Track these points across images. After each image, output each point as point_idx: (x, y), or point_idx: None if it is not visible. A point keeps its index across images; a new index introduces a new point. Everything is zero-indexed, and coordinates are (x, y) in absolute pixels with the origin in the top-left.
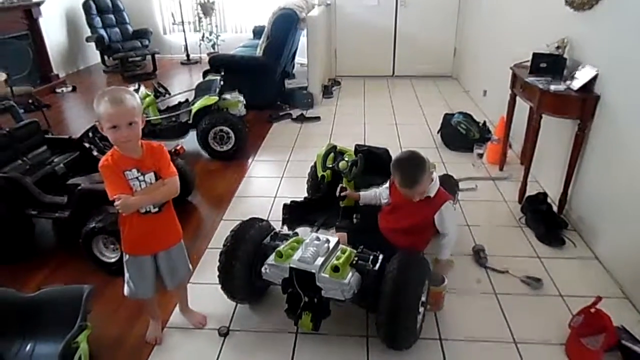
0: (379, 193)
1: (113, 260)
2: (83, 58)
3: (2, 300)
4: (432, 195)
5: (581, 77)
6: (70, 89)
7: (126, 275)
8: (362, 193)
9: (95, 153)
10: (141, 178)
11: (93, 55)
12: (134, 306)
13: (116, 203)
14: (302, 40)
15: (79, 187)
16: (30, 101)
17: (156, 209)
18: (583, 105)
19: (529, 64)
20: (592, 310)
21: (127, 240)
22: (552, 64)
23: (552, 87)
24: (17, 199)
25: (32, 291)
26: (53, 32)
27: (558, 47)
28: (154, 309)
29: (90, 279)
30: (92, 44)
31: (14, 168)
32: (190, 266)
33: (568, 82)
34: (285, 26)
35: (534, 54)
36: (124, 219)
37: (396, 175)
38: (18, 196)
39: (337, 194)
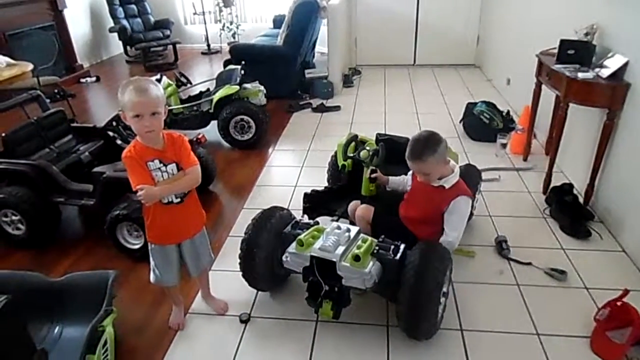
0: (407, 179)
1: (137, 246)
2: (106, 48)
3: (31, 285)
4: (446, 186)
5: (611, 65)
6: (94, 79)
7: (152, 263)
8: (390, 178)
9: (119, 142)
10: (163, 169)
11: (116, 45)
12: (158, 292)
13: (139, 193)
14: (323, 29)
15: (104, 175)
16: (55, 91)
17: (178, 200)
18: (612, 94)
19: (555, 51)
20: (619, 303)
21: (151, 230)
22: (580, 51)
23: (580, 75)
24: (44, 186)
25: (59, 276)
26: (77, 23)
27: (587, 34)
28: (176, 295)
29: (115, 264)
30: (115, 35)
31: (42, 156)
32: (212, 254)
33: (597, 70)
34: (305, 15)
35: (562, 41)
36: (147, 210)
37: (408, 147)
38: (45, 183)
39: (368, 175)
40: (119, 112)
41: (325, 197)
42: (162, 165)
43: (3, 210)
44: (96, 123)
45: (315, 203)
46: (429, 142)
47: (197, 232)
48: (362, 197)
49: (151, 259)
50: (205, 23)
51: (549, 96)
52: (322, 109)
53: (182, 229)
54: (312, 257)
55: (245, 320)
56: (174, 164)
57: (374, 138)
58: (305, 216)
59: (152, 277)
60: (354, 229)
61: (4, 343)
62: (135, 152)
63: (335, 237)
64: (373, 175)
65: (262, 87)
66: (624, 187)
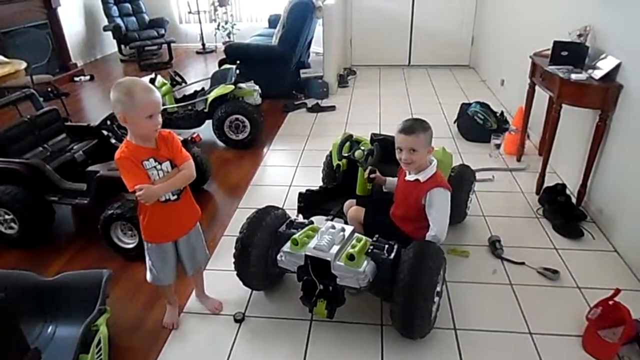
0: None
1: (131, 246)
2: (100, 47)
3: (24, 284)
4: (421, 179)
5: (603, 66)
6: (88, 77)
7: (148, 262)
8: (388, 179)
9: (113, 141)
10: (158, 167)
11: (110, 44)
12: (152, 291)
13: (138, 193)
14: (318, 29)
15: (98, 174)
16: (49, 89)
17: (175, 197)
18: (605, 95)
19: (549, 52)
20: (611, 302)
21: (148, 229)
22: (573, 53)
23: (573, 76)
24: (38, 185)
25: (52, 275)
26: (71, 22)
27: (580, 35)
28: (171, 294)
29: (109, 264)
30: (109, 33)
31: (35, 155)
32: (207, 250)
33: (590, 71)
34: (301, 15)
35: (555, 42)
36: (143, 209)
37: (399, 126)
38: (39, 182)
39: (366, 175)
40: (115, 114)
41: (319, 197)
42: (157, 163)
43: None
44: (90, 122)
45: (310, 202)
46: (421, 121)
47: (192, 228)
48: (357, 196)
49: (147, 258)
50: (200, 22)
51: (542, 97)
52: (317, 109)
53: (179, 226)
54: (306, 256)
55: (239, 320)
56: (168, 162)
57: (368, 138)
58: (300, 216)
59: (148, 277)
60: (349, 229)
61: None
62: (129, 152)
63: (330, 237)
64: (372, 176)
65: (257, 87)
66: (616, 188)
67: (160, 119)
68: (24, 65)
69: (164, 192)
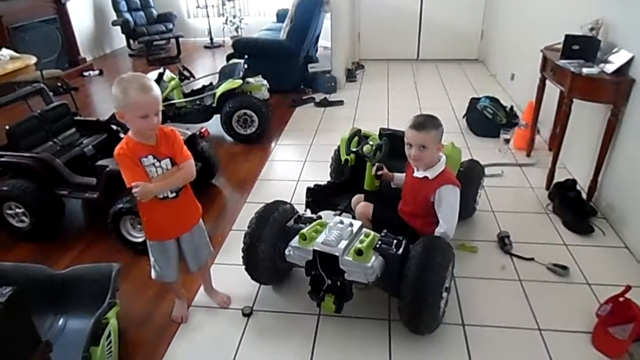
0: None
1: (140, 240)
2: (109, 42)
3: (35, 277)
4: (430, 177)
5: (616, 61)
6: (97, 72)
7: (151, 259)
8: (396, 174)
9: (122, 135)
10: (157, 164)
11: (119, 39)
12: (160, 285)
13: (134, 190)
14: (326, 23)
15: (107, 169)
16: (59, 84)
17: (173, 194)
18: (617, 90)
19: (560, 46)
20: (621, 299)
21: (148, 226)
22: (585, 47)
23: (585, 71)
24: (48, 179)
25: (63, 268)
26: (80, 16)
27: (592, 29)
28: (179, 289)
29: (118, 257)
30: (118, 28)
31: (45, 149)
32: (211, 247)
33: (602, 66)
34: (309, 9)
35: (567, 36)
36: (143, 207)
37: (410, 121)
38: (49, 176)
39: (374, 172)
40: (115, 112)
41: (327, 192)
42: (156, 160)
43: (7, 203)
44: (99, 116)
45: (318, 197)
46: (433, 118)
47: (194, 225)
48: (365, 191)
49: (150, 255)
50: (208, 17)
51: (553, 92)
52: (325, 103)
53: (179, 223)
54: (314, 251)
55: (247, 314)
56: (168, 159)
57: (377, 133)
58: (308, 210)
59: (152, 274)
60: (357, 224)
61: (10, 334)
62: (128, 149)
63: (338, 232)
64: (379, 172)
65: (265, 81)
66: (627, 184)
67: (156, 119)
68: (33, 60)
69: (161, 191)
